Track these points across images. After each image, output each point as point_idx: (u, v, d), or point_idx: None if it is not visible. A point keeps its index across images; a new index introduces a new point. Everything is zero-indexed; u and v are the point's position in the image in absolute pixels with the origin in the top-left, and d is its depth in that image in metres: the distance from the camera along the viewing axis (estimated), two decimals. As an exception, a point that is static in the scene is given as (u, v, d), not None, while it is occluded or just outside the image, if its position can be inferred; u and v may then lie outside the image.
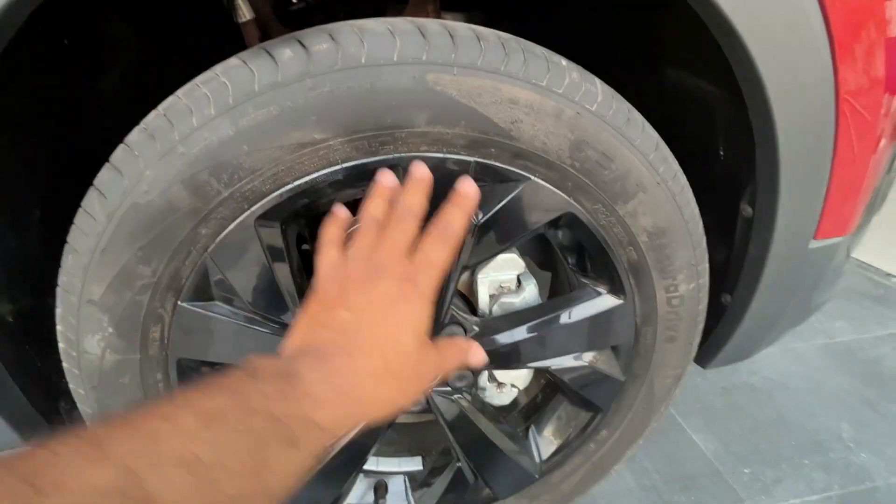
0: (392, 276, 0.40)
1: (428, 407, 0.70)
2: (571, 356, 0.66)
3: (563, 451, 0.75)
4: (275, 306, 0.53)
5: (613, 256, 0.58)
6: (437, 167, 0.48)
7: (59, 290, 0.50)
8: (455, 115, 0.45)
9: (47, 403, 0.62)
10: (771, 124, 0.54)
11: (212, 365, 0.57)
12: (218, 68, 0.43)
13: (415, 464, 0.81)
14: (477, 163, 0.49)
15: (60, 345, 0.52)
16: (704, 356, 0.78)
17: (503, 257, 0.64)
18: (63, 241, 0.49)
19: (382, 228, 0.42)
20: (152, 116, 0.44)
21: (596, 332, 0.64)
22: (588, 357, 0.67)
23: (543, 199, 0.52)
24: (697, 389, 1.17)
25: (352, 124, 0.44)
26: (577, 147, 0.49)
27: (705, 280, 0.63)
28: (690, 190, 0.57)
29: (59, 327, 0.51)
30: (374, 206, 0.44)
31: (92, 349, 0.50)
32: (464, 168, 0.49)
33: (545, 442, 0.77)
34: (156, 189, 0.44)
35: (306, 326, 0.40)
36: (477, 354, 0.49)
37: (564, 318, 0.63)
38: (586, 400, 0.70)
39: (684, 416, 1.10)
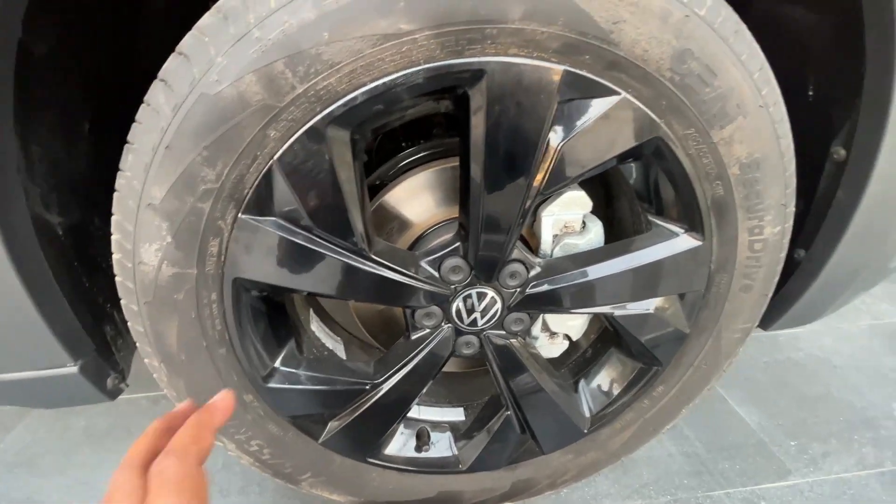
0: None
1: (475, 357, 0.67)
2: (636, 303, 0.63)
3: (615, 407, 0.72)
4: (338, 227, 0.50)
5: (697, 191, 0.53)
6: (524, 75, 0.44)
7: (116, 195, 0.47)
8: (553, 9, 0.41)
9: (94, 327, 0.60)
10: (891, 55, 0.49)
11: (267, 288, 0.54)
12: (298, -55, 0.39)
13: (457, 414, 0.79)
14: (566, 72, 0.45)
15: (115, 255, 0.49)
16: (768, 317, 0.74)
17: (570, 195, 0.60)
18: (110, 156, 0.46)
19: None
20: (225, -1, 0.40)
21: (666, 277, 0.60)
22: (653, 305, 0.64)
23: (633, 120, 0.48)
24: (739, 362, 1.12)
25: (442, 14, 0.40)
26: (680, 57, 0.44)
27: (790, 225, 0.58)
28: (788, 120, 0.53)
29: (114, 235, 0.48)
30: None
31: (149, 259, 0.48)
32: (552, 79, 0.45)
33: (596, 396, 0.74)
34: (227, 79, 0.40)
35: None
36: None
37: (632, 261, 0.59)
38: (646, 352, 0.67)
39: (726, 389, 1.06)
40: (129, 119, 0.44)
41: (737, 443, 0.95)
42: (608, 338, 0.75)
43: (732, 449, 0.93)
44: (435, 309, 0.60)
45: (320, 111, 0.43)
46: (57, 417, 1.03)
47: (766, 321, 0.75)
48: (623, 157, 0.53)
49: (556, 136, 0.49)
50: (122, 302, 0.52)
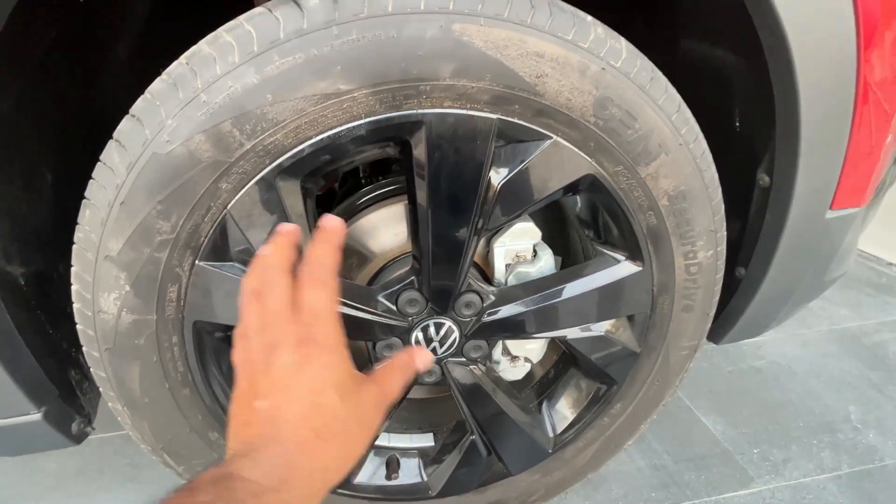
0: (285, 345, 0.39)
1: (440, 382, 0.69)
2: (587, 326, 0.66)
3: (577, 426, 0.75)
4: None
5: (633, 221, 0.57)
6: (460, 124, 0.48)
7: (75, 248, 0.49)
8: (481, 67, 0.45)
9: (59, 373, 0.61)
10: (794, 89, 0.54)
11: (227, 328, 0.56)
12: (242, 17, 0.43)
13: (427, 440, 0.81)
14: (499, 120, 0.49)
15: (76, 305, 0.51)
16: (717, 332, 0.78)
17: (519, 226, 0.64)
18: (72, 206, 0.48)
19: (259, 297, 0.41)
20: (175, 66, 0.43)
21: (613, 300, 0.64)
22: (604, 327, 0.67)
23: (565, 160, 0.52)
24: (704, 373, 1.17)
25: (377, 75, 0.43)
26: (601, 104, 0.49)
27: (723, 248, 0.63)
28: (710, 154, 0.57)
29: (74, 286, 0.50)
30: (247, 279, 0.43)
31: (108, 308, 0.49)
32: (486, 126, 0.48)
33: (559, 416, 0.76)
34: (177, 139, 0.43)
35: (235, 429, 0.39)
36: (422, 358, 0.48)
37: (581, 286, 0.63)
38: (601, 372, 0.70)
39: (692, 399, 1.10)
40: (91, 168, 0.47)
41: (702, 453, 0.98)
42: (569, 359, 0.78)
43: (698, 459, 0.96)
44: (395, 340, 0.63)
45: (269, 164, 0.46)
46: (28, 459, 1.01)
47: (716, 336, 0.79)
48: (562, 193, 0.57)
49: (496, 176, 0.53)
50: (84, 349, 0.53)
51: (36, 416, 0.58)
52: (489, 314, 0.63)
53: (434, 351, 0.65)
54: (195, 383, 0.57)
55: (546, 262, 0.66)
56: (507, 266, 0.65)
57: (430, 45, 0.43)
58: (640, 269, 0.61)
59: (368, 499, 0.73)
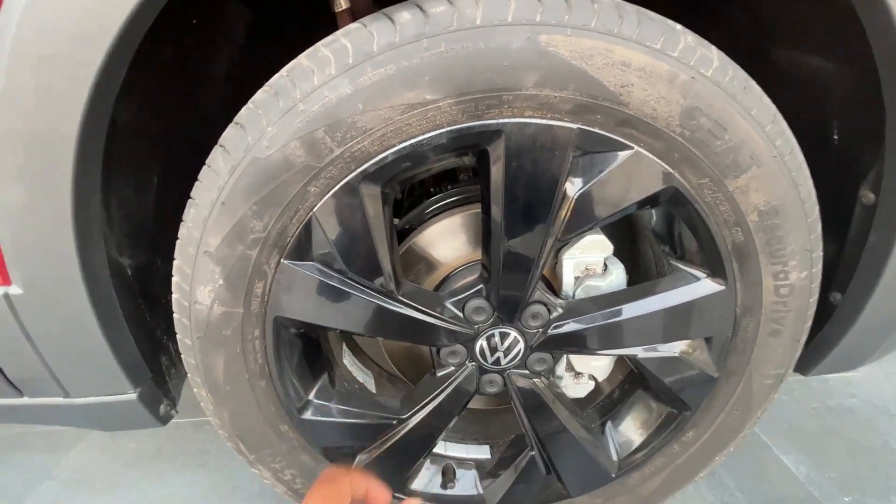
0: None
1: (499, 395, 0.68)
2: (660, 345, 0.63)
3: (644, 451, 0.71)
4: (369, 271, 0.54)
5: (717, 237, 0.54)
6: (539, 134, 0.48)
7: (178, 243, 0.53)
8: (564, 77, 0.45)
9: (152, 358, 0.67)
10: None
11: (305, 325, 0.59)
12: (339, 32, 0.46)
13: (482, 452, 0.80)
14: (580, 130, 0.48)
15: (175, 295, 0.55)
16: (807, 362, 0.72)
17: (590, 238, 0.62)
18: (170, 207, 0.53)
19: None
20: (276, 78, 0.47)
21: (690, 320, 0.60)
22: (678, 348, 0.64)
23: (646, 171, 0.51)
24: (785, 407, 1.07)
25: (462, 85, 0.45)
26: (688, 114, 0.47)
27: (819, 269, 0.58)
28: (807, 168, 0.53)
29: (174, 278, 0.55)
30: None
31: (203, 300, 0.53)
32: (566, 136, 0.48)
33: (623, 439, 0.73)
34: (275, 145, 0.46)
35: None
36: None
37: (655, 303, 0.60)
38: (674, 395, 0.66)
39: (769, 435, 1.01)
40: (188, 172, 0.51)
41: (782, 495, 0.89)
42: (636, 379, 0.75)
43: (776, 501, 0.88)
44: (459, 348, 0.63)
45: (355, 169, 0.49)
46: (111, 440, 1.10)
47: (805, 366, 0.72)
48: (639, 205, 0.55)
49: (571, 187, 0.52)
50: (178, 336, 0.58)
51: (132, 395, 0.63)
52: (556, 327, 0.62)
53: (498, 361, 0.64)
54: (271, 376, 0.60)
55: (617, 277, 0.64)
56: (576, 279, 0.64)
57: (516, 56, 0.44)
58: (723, 288, 0.58)
59: (424, 506, 0.73)
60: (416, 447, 0.69)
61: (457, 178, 0.78)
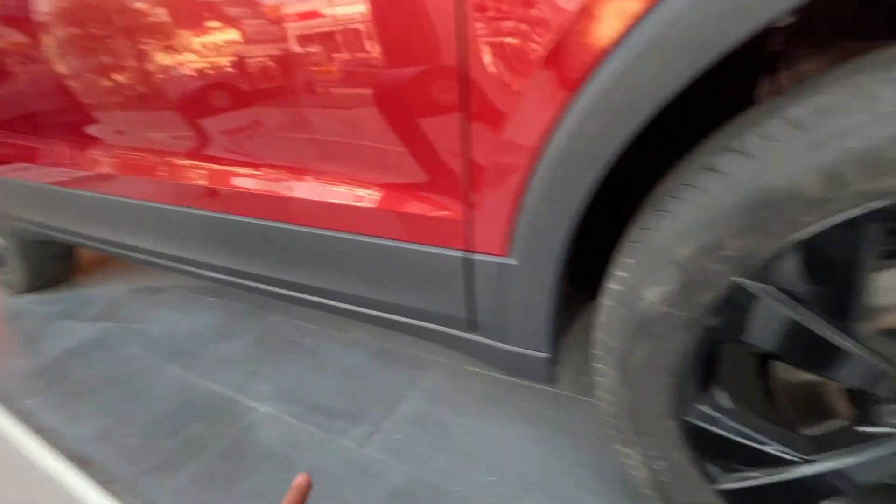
0: None
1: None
2: None
3: None
4: (840, 310, 0.53)
5: None
6: None
7: (634, 245, 0.64)
8: None
9: (557, 329, 0.83)
10: None
11: (736, 343, 0.62)
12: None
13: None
14: None
15: (615, 286, 0.67)
16: None
17: None
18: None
19: None
20: (802, 111, 0.50)
21: None
22: None
23: None
24: None
25: None
26: None
27: None
28: None
29: (621, 273, 0.66)
30: None
31: (650, 297, 0.63)
32: None
33: None
34: (789, 176, 0.49)
35: None
36: None
37: None
38: None
39: None
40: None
41: None
42: None
43: None
44: (911, 411, 0.56)
45: (865, 204, 0.48)
46: (451, 374, 1.43)
47: None
48: None
49: None
50: (604, 320, 0.70)
51: (545, 354, 0.80)
52: None
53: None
54: (678, 374, 0.66)
55: None
56: None
57: None
58: None
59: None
60: (801, 496, 0.65)
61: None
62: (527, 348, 0.81)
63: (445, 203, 0.76)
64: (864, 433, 0.60)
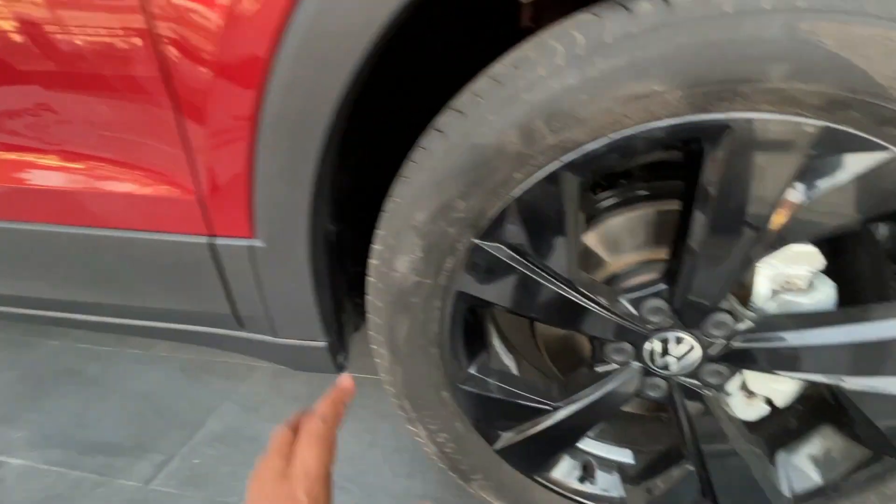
0: (274, 500, 0.44)
1: (658, 401, 0.66)
2: (873, 379, 0.55)
3: (827, 494, 0.63)
4: (556, 259, 0.56)
5: None
6: (773, 131, 0.44)
7: (385, 216, 0.60)
8: (822, 68, 0.41)
9: (336, 314, 0.77)
10: None
11: (483, 304, 0.62)
12: (569, 23, 0.47)
13: (625, 455, 0.78)
14: (826, 128, 0.43)
15: (374, 261, 0.62)
16: None
17: (798, 249, 0.56)
18: (367, 182, 0.59)
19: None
20: (500, 67, 0.50)
21: (922, 357, 0.52)
22: (899, 386, 0.55)
23: (901, 178, 0.44)
24: None
25: (696, 76, 0.43)
26: None
27: None
28: None
29: (377, 246, 0.61)
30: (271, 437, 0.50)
31: (400, 268, 0.60)
32: (806, 134, 0.44)
33: (799, 475, 0.66)
34: (493, 132, 0.49)
35: None
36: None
37: (879, 331, 0.53)
38: (881, 440, 0.57)
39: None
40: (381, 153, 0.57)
41: None
42: (823, 410, 0.66)
43: None
44: (626, 346, 0.62)
45: (561, 158, 0.50)
46: (274, 378, 1.29)
47: None
48: (875, 218, 0.48)
49: (798, 192, 0.47)
50: (369, 298, 0.65)
51: (322, 343, 0.73)
52: (741, 340, 0.57)
53: (666, 366, 0.62)
54: (442, 345, 0.65)
55: (826, 296, 0.57)
56: (774, 292, 0.58)
57: (766, 46, 0.41)
58: (982, 324, 0.48)
59: (562, 495, 0.74)
60: (563, 437, 0.70)
61: (630, 175, 0.75)
62: (301, 339, 0.73)
63: (177, 182, 0.64)
64: (599, 373, 0.65)
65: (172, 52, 0.53)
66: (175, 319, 0.79)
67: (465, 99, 0.52)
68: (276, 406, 1.19)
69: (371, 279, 0.64)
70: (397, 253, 0.59)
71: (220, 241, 0.64)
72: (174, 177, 0.63)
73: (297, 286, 0.66)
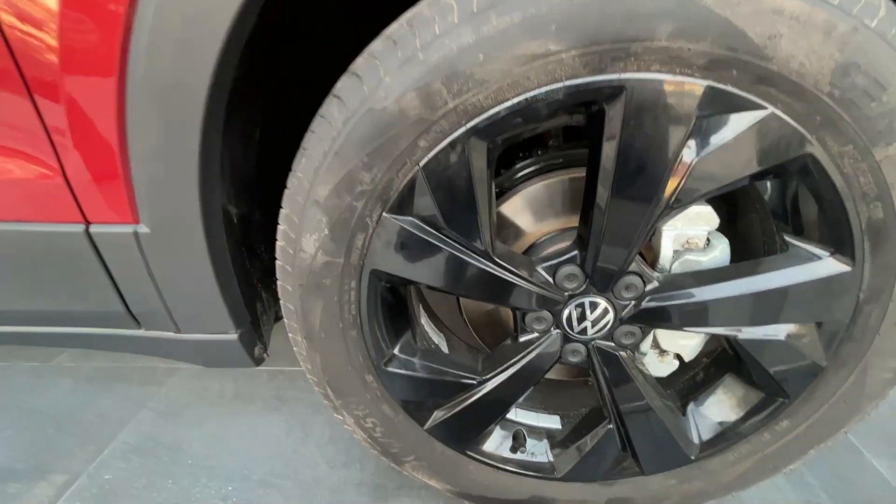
0: None
1: (579, 365, 0.67)
2: (764, 328, 0.59)
3: (729, 437, 0.68)
4: (468, 230, 0.54)
5: (850, 213, 0.50)
6: (664, 91, 0.45)
7: (287, 192, 0.55)
8: (704, 26, 0.41)
9: (250, 303, 0.71)
10: None
11: (399, 280, 0.60)
12: (463, -22, 0.44)
13: (553, 422, 0.79)
14: (709, 88, 0.45)
15: (280, 243, 0.58)
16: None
17: (695, 210, 0.59)
18: (272, 160, 0.55)
19: None
20: (395, 26, 0.47)
21: (801, 303, 0.56)
22: (785, 331, 0.60)
23: (779, 135, 0.47)
24: (877, 411, 0.99)
25: (590, 35, 0.42)
26: (843, 71, 0.42)
27: (968, 256, 0.52)
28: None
29: (281, 227, 0.57)
30: None
31: (308, 248, 0.56)
32: (693, 94, 0.45)
33: (706, 423, 0.70)
34: (392, 96, 0.46)
35: None
36: None
37: (764, 282, 0.56)
38: (771, 382, 0.62)
39: (860, 437, 0.94)
40: (287, 127, 0.53)
41: (871, 499, 0.83)
42: (724, 362, 0.71)
43: (866, 506, 0.82)
44: (546, 314, 0.62)
45: (465, 124, 0.48)
46: (197, 380, 1.20)
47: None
48: (762, 175, 0.51)
49: (690, 152, 0.49)
50: (279, 283, 0.61)
51: (233, 336, 0.68)
52: (650, 300, 0.60)
53: (584, 331, 0.63)
54: (362, 327, 0.62)
55: (721, 253, 0.60)
56: (675, 252, 0.61)
57: (655, 3, 0.41)
58: (848, 269, 0.53)
59: (494, 467, 0.75)
60: (493, 409, 0.70)
61: (546, 144, 0.75)
62: (208, 332, 0.67)
63: (39, 161, 0.55)
64: (522, 343, 0.66)
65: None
66: (66, 322, 0.70)
67: (361, 61, 0.48)
68: (200, 409, 1.11)
69: (279, 262, 0.60)
70: (303, 232, 0.55)
71: (96, 229, 0.57)
72: (35, 155, 0.55)
73: (195, 275, 0.60)
